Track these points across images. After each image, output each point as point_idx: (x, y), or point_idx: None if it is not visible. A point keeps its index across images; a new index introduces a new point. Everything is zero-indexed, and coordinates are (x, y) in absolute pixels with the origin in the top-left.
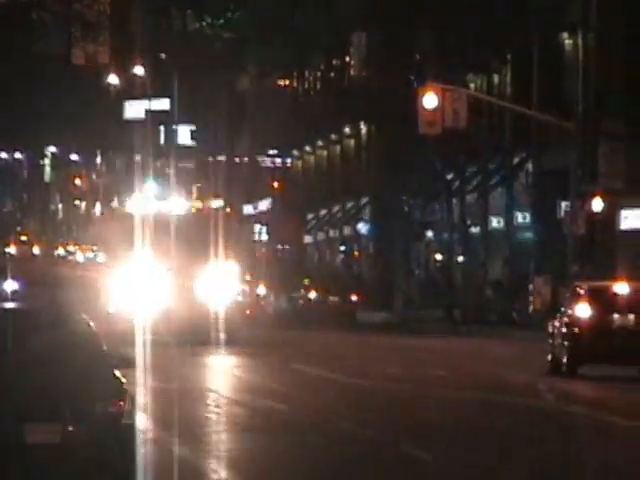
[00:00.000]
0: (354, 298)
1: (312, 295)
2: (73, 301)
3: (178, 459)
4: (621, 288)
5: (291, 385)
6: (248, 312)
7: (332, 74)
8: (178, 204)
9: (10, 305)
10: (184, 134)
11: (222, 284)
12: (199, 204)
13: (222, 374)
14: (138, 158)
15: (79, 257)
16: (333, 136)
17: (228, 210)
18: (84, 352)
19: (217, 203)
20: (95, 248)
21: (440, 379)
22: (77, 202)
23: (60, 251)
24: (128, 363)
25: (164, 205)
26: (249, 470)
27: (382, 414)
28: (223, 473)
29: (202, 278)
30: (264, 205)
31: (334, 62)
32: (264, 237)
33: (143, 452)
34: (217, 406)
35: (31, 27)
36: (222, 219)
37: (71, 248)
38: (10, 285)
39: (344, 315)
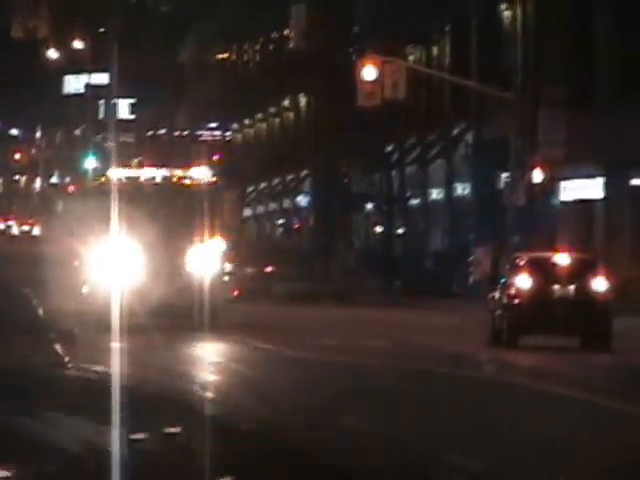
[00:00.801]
0: (269, 269)
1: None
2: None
3: None
4: (561, 259)
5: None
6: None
7: (271, 47)
8: (157, 173)
9: None
10: (124, 108)
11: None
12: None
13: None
14: (78, 132)
15: (14, 230)
16: (272, 109)
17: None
18: (19, 325)
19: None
20: (31, 221)
21: (379, 349)
22: (17, 177)
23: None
24: (68, 337)
25: (142, 173)
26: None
27: (320, 385)
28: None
29: (185, 256)
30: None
31: (273, 35)
32: None
33: None
34: None
35: None
36: (207, 190)
37: (10, 222)
38: None
39: (259, 286)
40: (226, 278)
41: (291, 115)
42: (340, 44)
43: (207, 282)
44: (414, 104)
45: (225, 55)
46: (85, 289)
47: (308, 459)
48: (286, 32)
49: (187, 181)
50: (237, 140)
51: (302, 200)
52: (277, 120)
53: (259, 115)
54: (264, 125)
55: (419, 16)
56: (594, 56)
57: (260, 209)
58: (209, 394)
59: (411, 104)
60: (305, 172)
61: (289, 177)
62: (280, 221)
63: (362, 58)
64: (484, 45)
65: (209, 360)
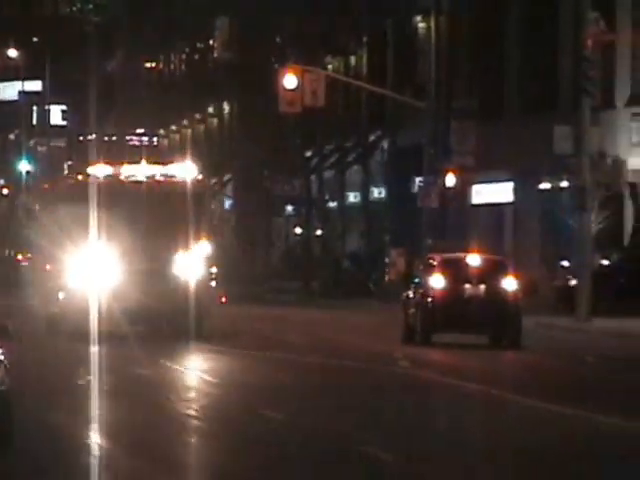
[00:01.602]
0: None
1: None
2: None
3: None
4: (472, 260)
5: None
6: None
7: (197, 56)
8: (140, 170)
9: None
10: (56, 114)
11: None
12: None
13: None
14: (12, 137)
15: None
16: (198, 115)
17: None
18: None
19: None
20: None
21: (295, 346)
22: None
23: None
24: (4, 334)
25: (124, 170)
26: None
27: (237, 379)
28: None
29: (170, 258)
30: None
31: (198, 45)
32: None
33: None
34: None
35: None
36: (193, 189)
37: None
38: None
39: None
40: (213, 283)
41: (215, 121)
42: (262, 54)
43: (193, 287)
44: (333, 112)
45: (153, 64)
46: (61, 294)
47: (225, 448)
48: (211, 42)
49: (172, 178)
50: (164, 145)
51: (224, 203)
52: (202, 126)
53: (185, 121)
54: (189, 131)
55: (338, 28)
56: (504, 70)
57: None
58: None
59: (330, 112)
60: (228, 176)
61: (212, 181)
62: None
63: (283, 67)
64: (400, 56)
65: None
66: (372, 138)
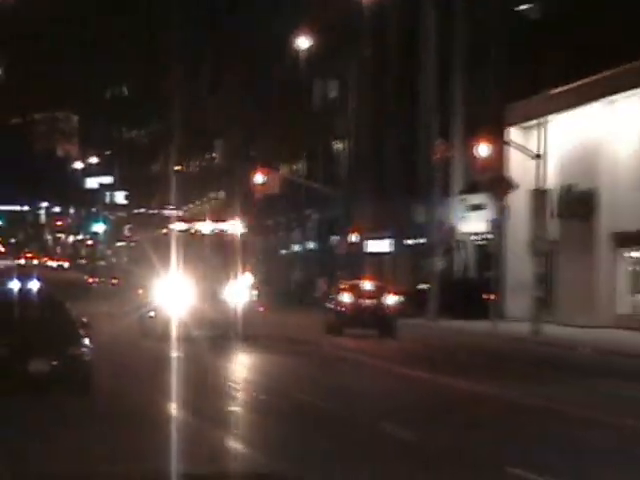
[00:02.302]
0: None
1: None
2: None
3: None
4: (366, 285)
5: None
6: None
7: (204, 163)
8: (205, 226)
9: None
10: (120, 197)
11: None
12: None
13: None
14: (93, 210)
15: (51, 263)
16: (205, 198)
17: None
18: (61, 319)
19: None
20: (63, 261)
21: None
22: (58, 235)
23: (49, 262)
24: (85, 325)
25: (193, 226)
26: None
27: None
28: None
29: (225, 285)
30: None
31: (206, 156)
32: None
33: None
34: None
35: None
36: (240, 238)
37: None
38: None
39: None
40: (255, 299)
41: (213, 202)
42: (241, 163)
43: (242, 304)
44: (284, 196)
45: (179, 167)
46: (152, 312)
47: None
48: (214, 154)
49: (227, 232)
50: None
51: None
52: (207, 206)
53: (197, 201)
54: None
55: (286, 148)
56: (389, 166)
57: None
58: None
59: (282, 197)
60: None
61: None
62: None
63: (256, 169)
64: (325, 163)
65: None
66: (308, 212)
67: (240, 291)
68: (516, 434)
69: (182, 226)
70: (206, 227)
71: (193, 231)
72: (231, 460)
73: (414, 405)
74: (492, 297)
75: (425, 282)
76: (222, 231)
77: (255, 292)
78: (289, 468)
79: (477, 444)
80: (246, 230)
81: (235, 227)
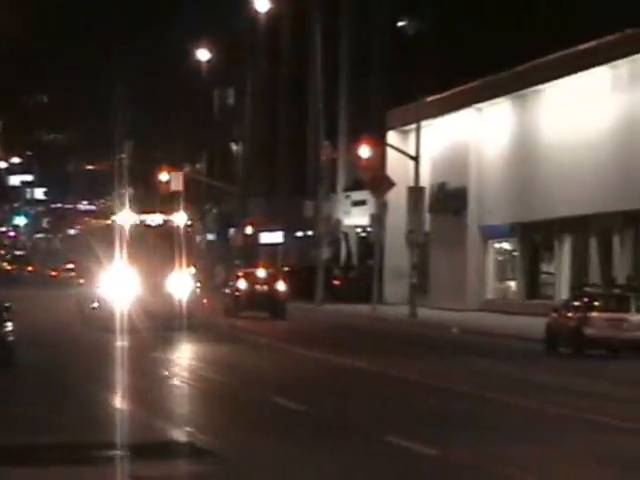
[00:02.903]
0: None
1: None
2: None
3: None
4: (260, 272)
5: None
6: None
7: (117, 164)
8: (150, 217)
9: None
10: (40, 193)
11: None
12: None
13: None
14: (16, 205)
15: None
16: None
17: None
18: None
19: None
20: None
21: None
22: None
23: None
24: (7, 309)
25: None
26: None
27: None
28: None
29: (169, 277)
30: None
31: (117, 157)
32: None
33: None
34: None
35: None
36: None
37: None
38: None
39: None
40: (198, 292)
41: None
42: (149, 164)
43: (185, 296)
44: (188, 195)
45: (93, 166)
46: (95, 303)
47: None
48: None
49: (172, 224)
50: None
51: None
52: (117, 201)
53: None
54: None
55: (190, 149)
56: (280, 165)
57: None
58: None
59: (186, 195)
60: None
61: None
62: None
63: (161, 168)
64: (224, 162)
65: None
66: (207, 207)
67: (184, 283)
68: (394, 405)
69: (127, 217)
70: (151, 218)
71: (138, 222)
72: (137, 429)
73: (303, 380)
74: (337, 282)
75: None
76: (166, 222)
77: (198, 284)
78: (191, 435)
79: (360, 415)
80: (191, 222)
81: (180, 219)
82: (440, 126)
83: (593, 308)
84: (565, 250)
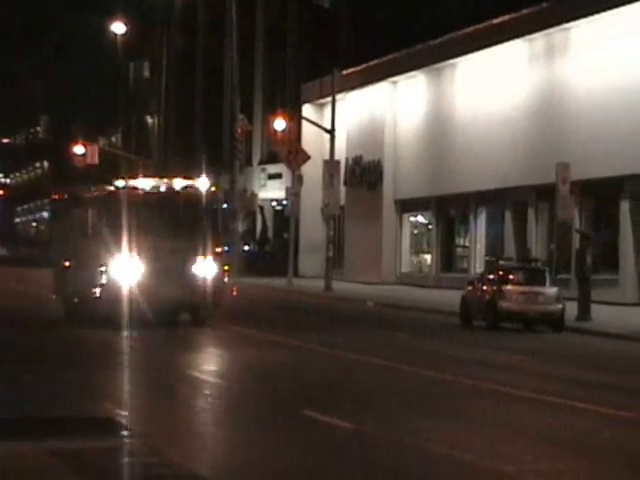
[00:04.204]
0: None
1: None
2: None
3: None
4: None
5: None
6: None
7: (31, 137)
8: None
9: None
10: None
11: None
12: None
13: None
14: None
15: None
16: (31, 167)
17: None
18: None
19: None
20: None
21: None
22: None
23: None
24: None
25: (146, 183)
26: None
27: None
28: None
29: (191, 259)
30: None
31: (32, 130)
32: None
33: None
34: None
35: None
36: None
37: None
38: None
39: None
40: (226, 279)
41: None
42: (64, 136)
43: (210, 283)
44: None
45: (6, 139)
46: (97, 290)
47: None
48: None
49: (194, 191)
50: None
51: None
52: (32, 174)
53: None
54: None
55: (105, 121)
56: (196, 138)
57: None
58: None
59: (101, 166)
60: None
61: None
62: None
63: (76, 143)
64: (140, 135)
65: None
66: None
67: (208, 266)
68: (311, 379)
69: (136, 183)
70: (166, 183)
71: (149, 189)
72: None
73: (221, 354)
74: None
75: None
76: (186, 189)
77: (226, 267)
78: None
79: (277, 389)
80: (214, 189)
81: (201, 184)
82: (356, 99)
83: (508, 281)
84: (480, 224)
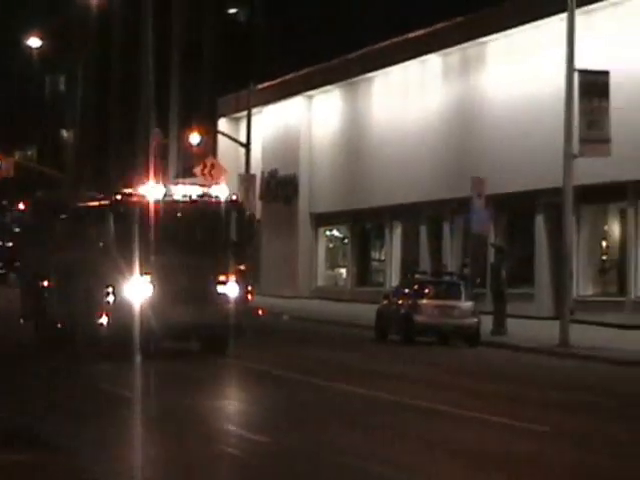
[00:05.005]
0: None
1: None
2: None
3: None
4: None
5: None
6: None
7: None
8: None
9: None
10: None
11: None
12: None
13: None
14: None
15: None
16: None
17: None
18: None
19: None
20: None
21: None
22: None
23: None
24: None
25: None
26: None
27: None
28: None
29: (212, 276)
30: None
31: None
32: None
33: None
34: None
35: None
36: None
37: None
38: None
39: None
40: (250, 297)
41: None
42: None
43: (234, 303)
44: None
45: None
46: (102, 319)
47: None
48: None
49: (213, 199)
50: None
51: None
52: None
53: None
54: None
55: (22, 137)
56: (112, 152)
57: None
58: None
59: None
60: None
61: None
62: None
63: None
64: (55, 149)
65: None
66: (39, 194)
67: (232, 286)
68: (229, 393)
69: (145, 190)
70: (182, 191)
71: (161, 197)
72: None
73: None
74: None
75: None
76: (203, 197)
77: (249, 287)
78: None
79: (192, 404)
80: (235, 197)
81: (220, 192)
82: (272, 113)
83: (423, 295)
84: (396, 237)
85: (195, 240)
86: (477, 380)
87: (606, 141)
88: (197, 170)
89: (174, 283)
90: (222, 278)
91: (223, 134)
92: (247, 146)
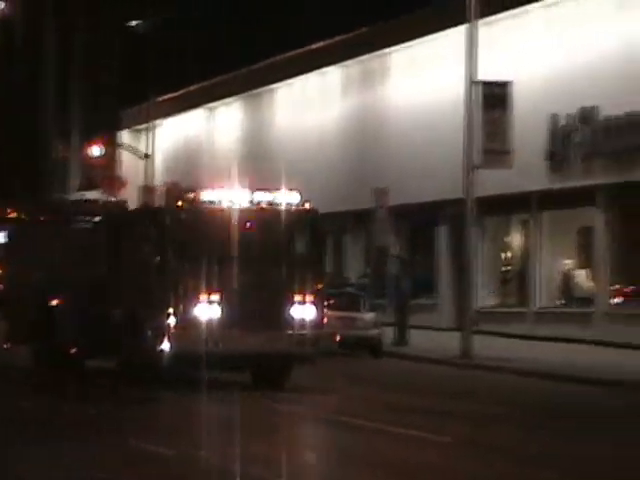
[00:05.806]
0: None
1: None
2: None
3: None
4: None
5: None
6: None
7: None
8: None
9: None
10: None
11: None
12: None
13: None
14: None
15: None
16: None
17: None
18: None
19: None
20: None
21: None
22: None
23: None
24: None
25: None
26: None
27: None
28: None
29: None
30: None
31: None
32: None
33: None
34: None
35: None
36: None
37: None
38: None
39: None
40: (326, 320)
41: None
42: None
43: (309, 328)
44: None
45: None
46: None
47: None
48: None
49: (283, 206)
50: None
51: None
52: None
53: None
54: None
55: None
56: (12, 166)
57: None
58: None
59: None
60: None
61: None
62: None
63: None
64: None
65: None
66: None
67: (307, 309)
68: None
69: (206, 196)
70: (246, 198)
71: (227, 204)
72: None
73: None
74: None
75: None
76: (271, 204)
77: (325, 310)
78: None
79: (97, 417)
80: (306, 205)
81: (292, 199)
82: (173, 126)
83: (325, 307)
84: None
85: (269, 254)
86: (379, 391)
87: (507, 152)
88: (98, 182)
89: (245, 305)
90: (298, 298)
91: (124, 146)
92: (148, 158)
